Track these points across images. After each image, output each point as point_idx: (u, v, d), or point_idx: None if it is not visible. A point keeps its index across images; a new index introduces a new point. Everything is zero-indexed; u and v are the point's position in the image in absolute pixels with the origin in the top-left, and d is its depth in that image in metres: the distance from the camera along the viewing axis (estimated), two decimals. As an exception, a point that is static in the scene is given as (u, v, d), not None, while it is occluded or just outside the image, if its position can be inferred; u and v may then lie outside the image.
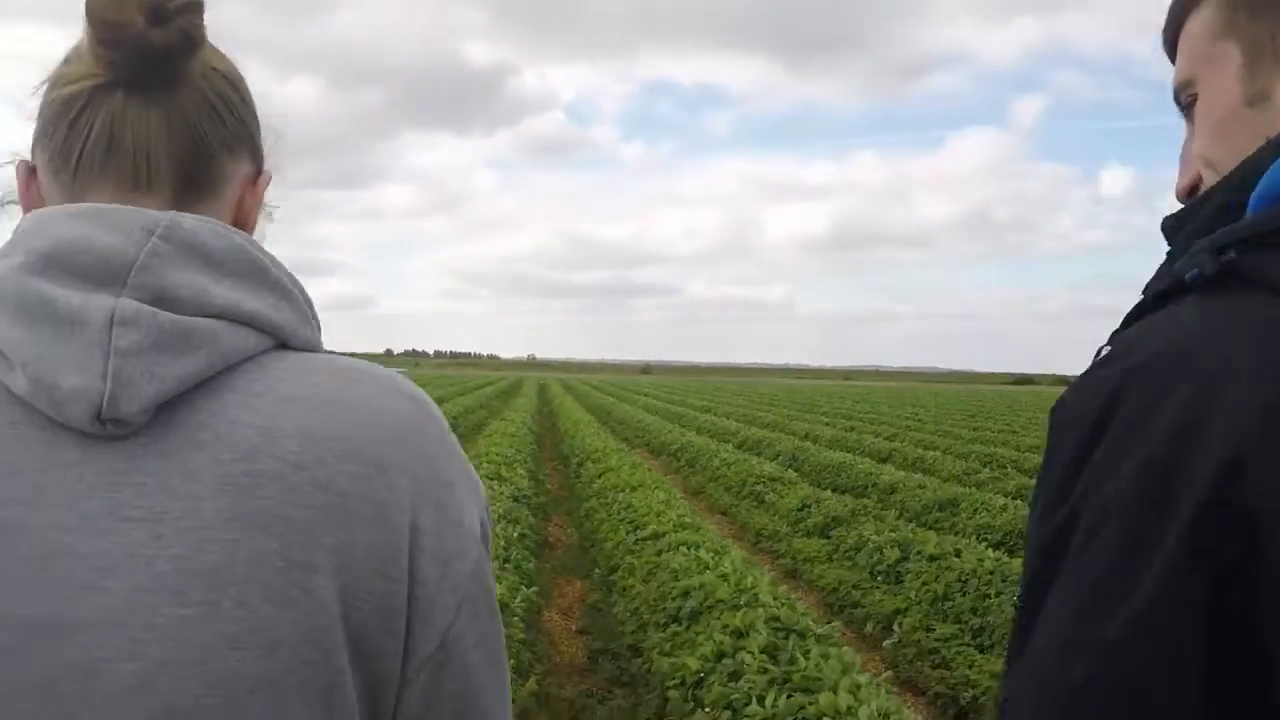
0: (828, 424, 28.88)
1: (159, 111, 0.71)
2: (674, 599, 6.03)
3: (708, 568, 6.47)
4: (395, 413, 0.71)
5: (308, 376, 0.69)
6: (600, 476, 12.66)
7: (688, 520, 8.69)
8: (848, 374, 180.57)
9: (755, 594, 5.67)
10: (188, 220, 0.68)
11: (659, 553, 7.31)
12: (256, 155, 0.79)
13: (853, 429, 27.24)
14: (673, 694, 4.80)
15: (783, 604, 5.67)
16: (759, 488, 13.25)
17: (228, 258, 0.68)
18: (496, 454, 13.23)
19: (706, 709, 4.51)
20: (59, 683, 0.59)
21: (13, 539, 0.61)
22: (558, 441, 21.80)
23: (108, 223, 0.66)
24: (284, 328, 0.70)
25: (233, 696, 0.61)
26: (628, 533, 8.61)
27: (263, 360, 0.68)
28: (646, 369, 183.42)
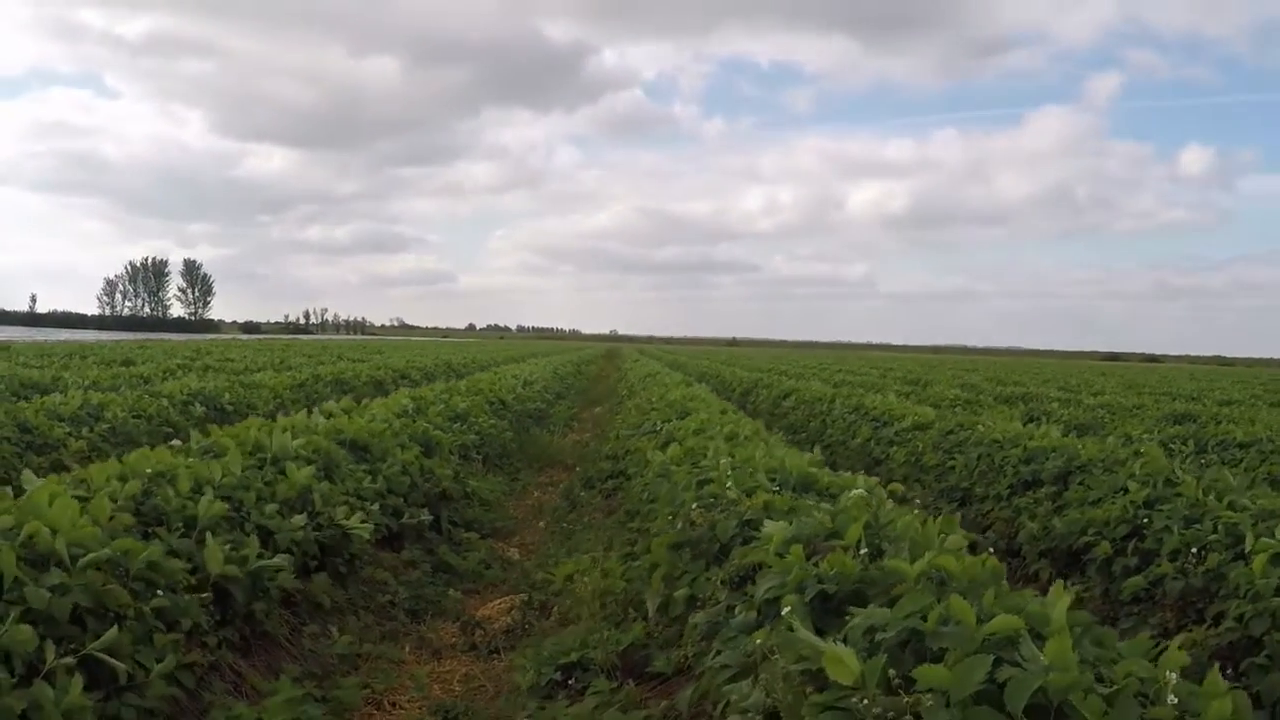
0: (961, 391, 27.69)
1: None
2: (1017, 465, 5.11)
3: (1031, 435, 5.56)
4: None
5: None
6: (787, 398, 11.77)
7: (947, 407, 7.77)
8: (937, 351, 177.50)
9: (1137, 450, 4.73)
10: None
11: (948, 433, 6.40)
12: None
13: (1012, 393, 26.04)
14: (1099, 548, 3.91)
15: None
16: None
17: None
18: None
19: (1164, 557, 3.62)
20: None
21: None
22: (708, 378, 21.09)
23: None
24: None
25: None
26: (875, 429, 7.71)
27: None
28: (733, 341, 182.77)
